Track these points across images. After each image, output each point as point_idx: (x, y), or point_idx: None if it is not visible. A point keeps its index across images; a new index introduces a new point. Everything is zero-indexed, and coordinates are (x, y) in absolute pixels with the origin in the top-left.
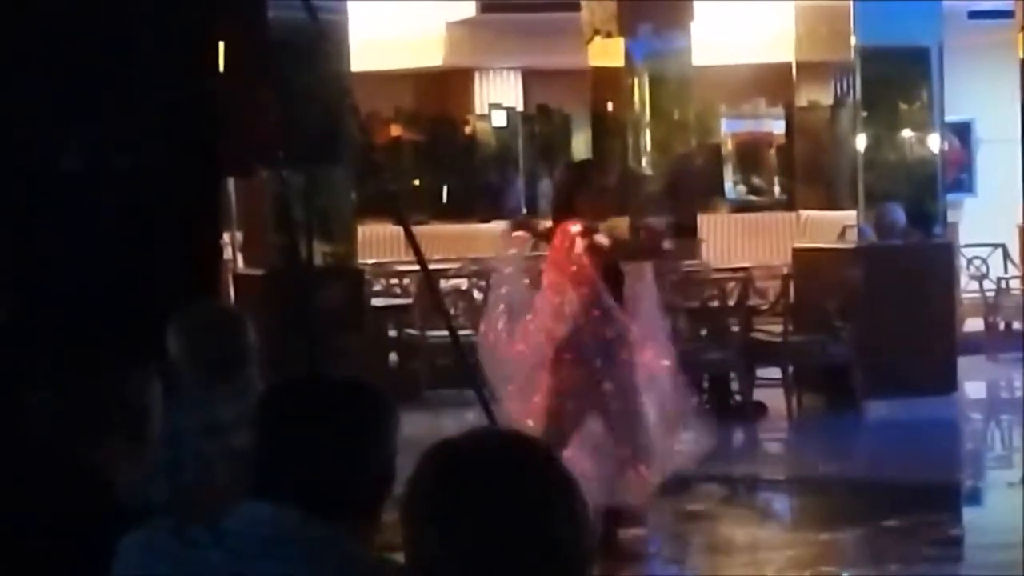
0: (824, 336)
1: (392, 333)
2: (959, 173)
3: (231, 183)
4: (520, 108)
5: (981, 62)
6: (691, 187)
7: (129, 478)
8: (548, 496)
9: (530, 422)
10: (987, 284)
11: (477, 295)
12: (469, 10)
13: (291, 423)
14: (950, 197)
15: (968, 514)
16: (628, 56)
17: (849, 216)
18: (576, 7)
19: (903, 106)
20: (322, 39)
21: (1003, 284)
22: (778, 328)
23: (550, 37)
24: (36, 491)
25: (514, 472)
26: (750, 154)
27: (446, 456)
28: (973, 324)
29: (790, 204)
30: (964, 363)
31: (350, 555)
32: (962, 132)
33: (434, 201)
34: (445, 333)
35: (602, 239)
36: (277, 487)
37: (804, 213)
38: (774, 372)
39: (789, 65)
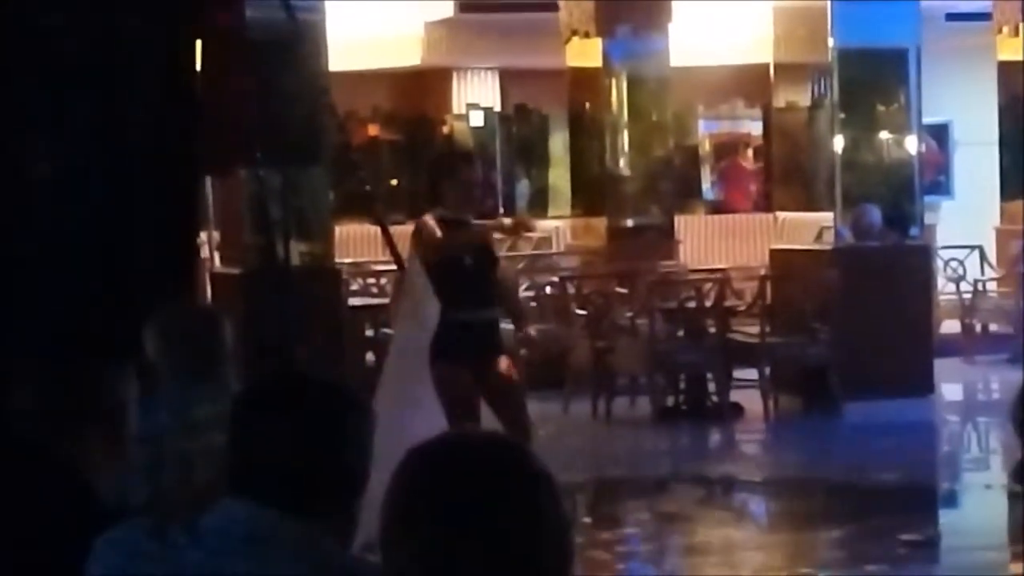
0: (801, 337)
1: (369, 333)
2: (936, 175)
3: (208, 182)
4: (498, 108)
5: (959, 64)
6: (668, 188)
7: (107, 476)
8: (525, 498)
9: None
10: (964, 286)
11: None
12: (447, 10)
13: (265, 422)
14: (927, 199)
15: (944, 516)
16: (606, 57)
17: (826, 217)
18: (554, 7)
19: (880, 108)
20: (300, 39)
21: (980, 286)
22: (755, 329)
23: (528, 37)
24: (14, 489)
25: (490, 474)
26: (727, 155)
27: (421, 459)
28: (950, 326)
29: (767, 205)
30: (941, 365)
31: (326, 553)
32: (940, 134)
33: (412, 201)
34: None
35: (432, 230)
36: (253, 486)
37: (781, 214)
38: (751, 373)
39: (767, 66)
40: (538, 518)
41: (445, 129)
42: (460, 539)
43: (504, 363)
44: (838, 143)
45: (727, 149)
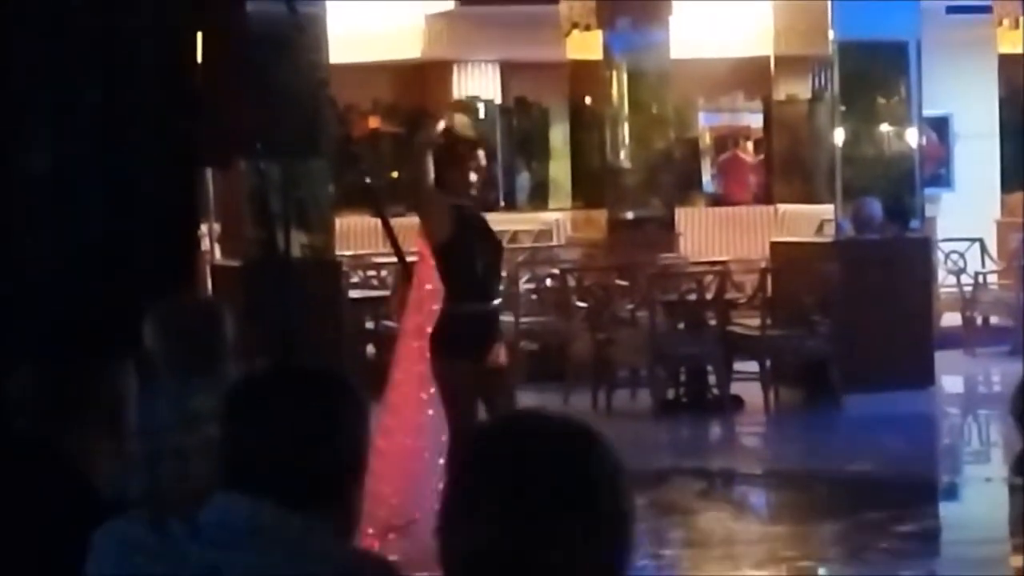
0: (801, 330)
1: (369, 325)
2: (937, 168)
3: (209, 175)
4: (498, 101)
5: (959, 57)
6: (669, 180)
7: (106, 471)
8: (593, 476)
9: None
10: (964, 279)
11: None
12: (447, 3)
13: (261, 414)
14: (928, 192)
15: (945, 508)
16: (606, 49)
17: (827, 210)
18: (554, 0)
19: (881, 101)
20: (300, 31)
21: (980, 279)
22: (756, 322)
23: (528, 30)
24: (13, 484)
25: (557, 455)
26: (728, 148)
27: (486, 438)
28: (950, 318)
29: (768, 198)
30: (941, 357)
31: (326, 546)
32: (940, 127)
33: (409, 192)
34: (396, 325)
35: (442, 218)
36: (251, 479)
37: (782, 207)
38: (751, 366)
39: (767, 59)
40: (602, 504)
41: (444, 122)
42: (521, 521)
43: (499, 352)
44: (838, 136)
45: (727, 142)
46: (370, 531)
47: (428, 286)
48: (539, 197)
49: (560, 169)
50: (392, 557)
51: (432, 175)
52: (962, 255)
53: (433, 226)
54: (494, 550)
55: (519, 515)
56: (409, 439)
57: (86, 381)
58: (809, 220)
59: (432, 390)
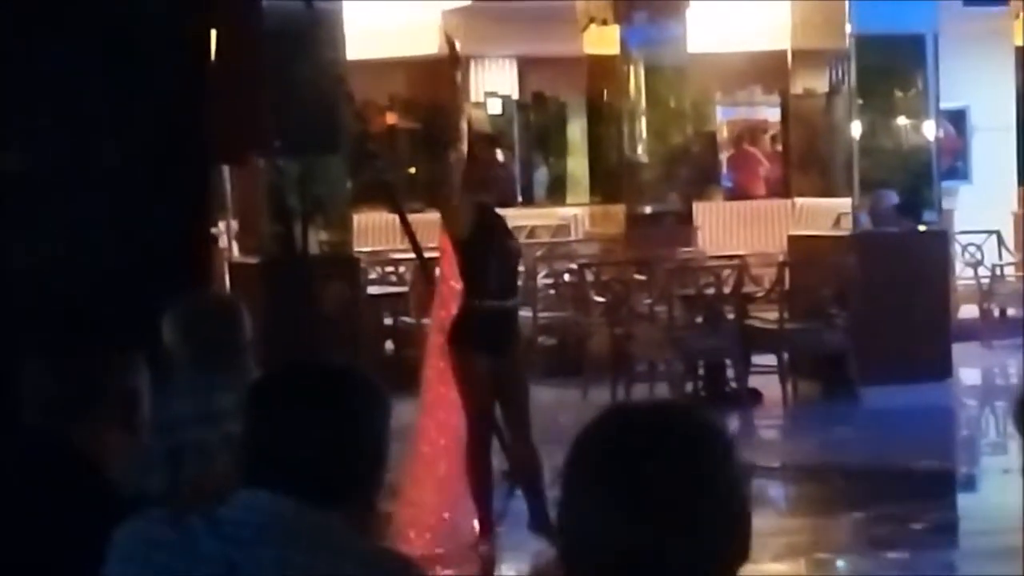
0: (819, 323)
1: (388, 321)
2: (954, 160)
3: (226, 171)
4: (515, 96)
5: (976, 49)
6: (686, 175)
7: (123, 463)
8: (722, 472)
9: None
10: (982, 271)
11: None
12: None
13: (283, 411)
14: (945, 184)
15: (963, 500)
16: (623, 44)
17: (844, 203)
18: None
19: (898, 93)
20: (317, 27)
21: (997, 271)
22: (773, 315)
23: (545, 25)
24: (30, 476)
25: (690, 442)
26: (745, 142)
27: (612, 424)
28: (968, 311)
29: (785, 192)
30: (959, 349)
31: (346, 543)
32: (957, 119)
33: (430, 189)
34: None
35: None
36: (271, 475)
37: (799, 200)
38: (769, 359)
39: (785, 53)
40: (728, 502)
41: (463, 117)
42: (639, 511)
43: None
44: (855, 129)
45: (744, 136)
46: (411, 533)
47: (452, 282)
48: (557, 192)
49: (578, 164)
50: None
51: (455, 172)
52: (979, 247)
53: (453, 222)
54: (612, 543)
55: (649, 510)
56: (443, 439)
57: (99, 375)
58: (826, 213)
59: None
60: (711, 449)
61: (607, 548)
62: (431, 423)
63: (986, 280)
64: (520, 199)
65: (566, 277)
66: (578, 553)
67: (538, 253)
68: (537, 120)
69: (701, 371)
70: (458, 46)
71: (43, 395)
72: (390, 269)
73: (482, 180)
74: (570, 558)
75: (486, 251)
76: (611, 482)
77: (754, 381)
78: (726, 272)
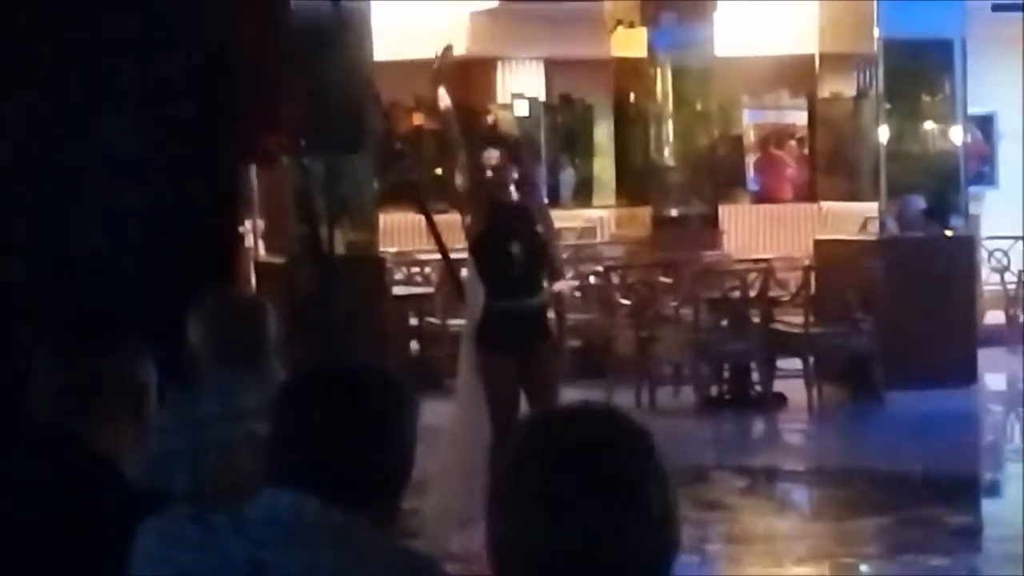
0: (845, 327)
1: (413, 321)
2: (981, 166)
3: (253, 171)
4: (543, 98)
5: (1004, 55)
6: (713, 178)
7: (132, 458)
8: (642, 474)
9: None
10: (1008, 276)
11: None
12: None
13: (311, 412)
14: (972, 189)
15: (987, 506)
16: (651, 46)
17: (871, 208)
18: None
19: (926, 98)
20: (344, 27)
21: None
22: (799, 319)
23: (573, 27)
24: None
25: (610, 447)
26: (772, 145)
27: (534, 429)
28: (994, 316)
29: (812, 195)
30: (984, 355)
31: (371, 543)
32: (984, 125)
33: (455, 190)
34: (466, 322)
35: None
36: (297, 475)
37: (826, 205)
38: (795, 363)
39: (812, 57)
40: (648, 500)
41: (490, 119)
42: (565, 513)
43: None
44: (883, 133)
45: (771, 139)
46: (442, 530)
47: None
48: (583, 194)
49: (604, 166)
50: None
51: (470, 170)
52: (1006, 253)
53: (466, 220)
54: (539, 546)
55: (564, 511)
56: (474, 437)
57: (107, 369)
58: (853, 218)
59: None
60: (633, 449)
61: (537, 554)
62: (463, 422)
63: (1012, 286)
64: (547, 200)
65: (592, 279)
66: (508, 559)
67: (564, 255)
68: (564, 122)
69: (726, 374)
70: (444, 104)
71: (53, 388)
72: (416, 270)
73: (500, 179)
74: (500, 564)
75: (503, 250)
76: (537, 487)
77: (779, 385)
78: (752, 276)
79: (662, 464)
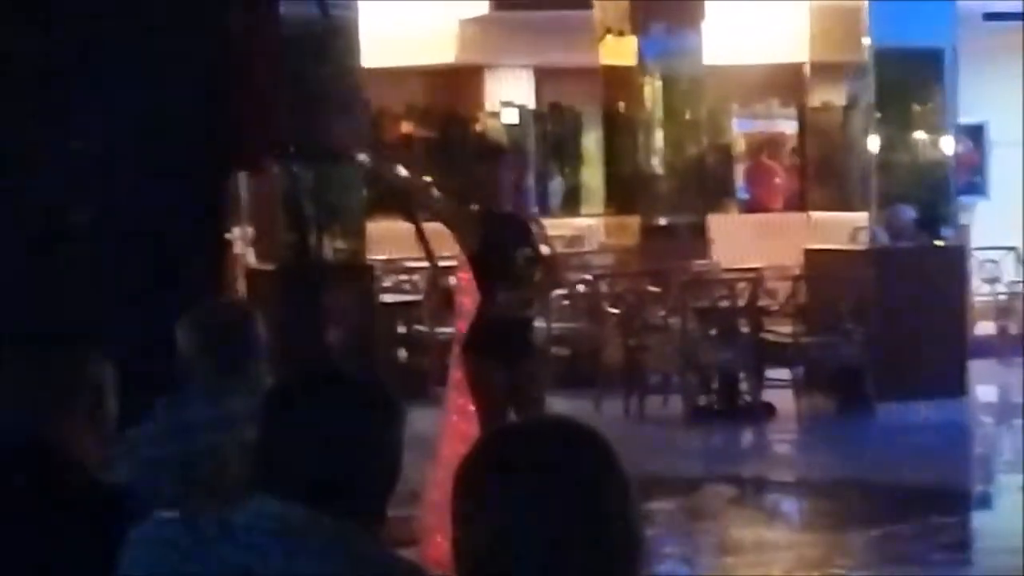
0: (834, 337)
1: (401, 329)
2: (972, 176)
3: (242, 178)
4: (532, 106)
5: (995, 64)
6: (702, 187)
7: (93, 460)
8: (606, 484)
9: None
10: (999, 287)
11: None
12: (482, 7)
13: (298, 419)
14: (963, 199)
15: (978, 518)
16: (640, 55)
17: (861, 218)
18: (588, 5)
19: (916, 108)
20: (333, 35)
21: (1015, 287)
22: (788, 329)
23: (562, 35)
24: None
25: (573, 458)
26: (761, 154)
27: (497, 442)
28: (984, 327)
29: (801, 205)
30: (975, 366)
31: (358, 550)
32: (975, 134)
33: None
34: (454, 330)
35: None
36: (285, 482)
37: (815, 214)
38: (784, 373)
39: (802, 65)
40: (605, 509)
41: (479, 127)
42: (526, 523)
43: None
44: (873, 143)
45: (761, 148)
46: (437, 538)
47: (470, 292)
48: (572, 203)
49: (593, 175)
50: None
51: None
52: (996, 264)
53: (462, 237)
54: (502, 557)
55: (526, 521)
56: (463, 446)
57: (65, 372)
58: (843, 227)
59: None
60: (591, 457)
61: (500, 564)
62: (453, 430)
63: (1003, 297)
64: (535, 209)
65: (580, 288)
66: (473, 570)
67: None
68: (553, 130)
69: (715, 384)
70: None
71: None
72: (404, 277)
73: (492, 189)
74: (457, 566)
75: (499, 258)
76: (498, 499)
77: (768, 395)
78: (741, 285)
79: (622, 471)
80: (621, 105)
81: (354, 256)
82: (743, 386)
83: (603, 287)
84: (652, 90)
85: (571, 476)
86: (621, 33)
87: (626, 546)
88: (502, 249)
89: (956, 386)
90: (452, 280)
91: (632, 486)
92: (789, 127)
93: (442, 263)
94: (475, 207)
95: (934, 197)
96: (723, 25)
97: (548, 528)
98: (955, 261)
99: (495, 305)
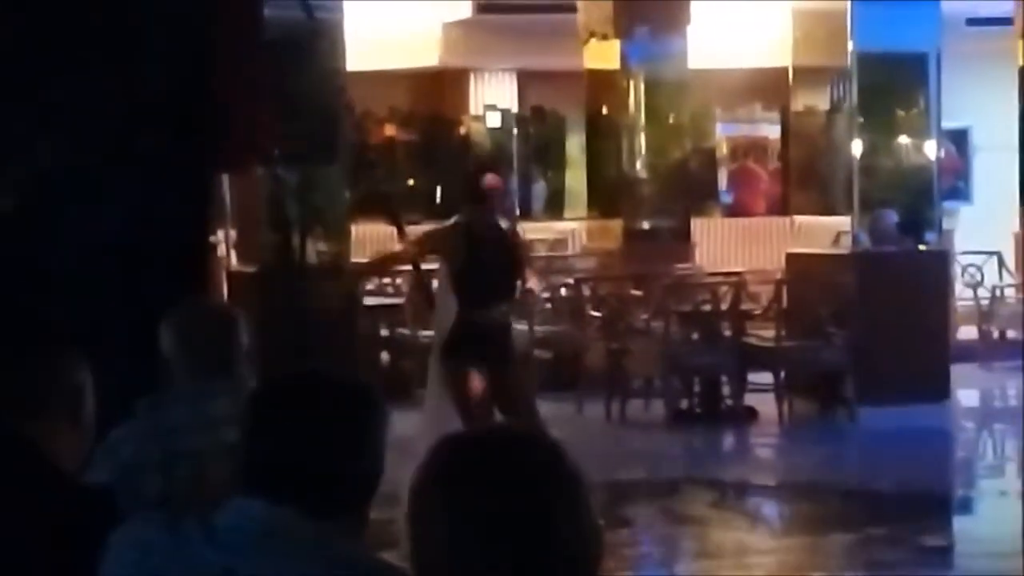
0: (817, 342)
1: (384, 332)
2: (955, 180)
3: (226, 180)
4: (515, 109)
5: (979, 69)
6: (685, 191)
7: (71, 461)
8: (554, 492)
9: None
10: (982, 292)
11: None
12: (465, 11)
13: (281, 420)
14: (946, 204)
15: (959, 522)
16: (624, 59)
17: (844, 222)
18: (572, 9)
19: (900, 112)
20: (318, 38)
21: (998, 292)
22: (770, 333)
23: (546, 39)
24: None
25: (521, 467)
26: (745, 158)
27: (452, 449)
28: (967, 332)
29: (784, 209)
30: (957, 371)
31: (340, 552)
32: (959, 139)
33: (427, 201)
34: (434, 334)
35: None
36: (268, 484)
37: (798, 218)
38: (766, 377)
39: (785, 69)
40: (563, 517)
41: (462, 130)
42: (474, 532)
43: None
44: (856, 147)
45: (744, 152)
46: None
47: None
48: (555, 206)
49: (576, 178)
50: None
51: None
52: (979, 268)
53: (448, 260)
54: (458, 564)
55: (471, 530)
56: None
57: (42, 374)
58: (825, 232)
59: None
60: (543, 464)
61: (456, 571)
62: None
63: (986, 301)
64: (518, 212)
65: (563, 291)
66: (417, 568)
67: (534, 265)
68: (536, 134)
69: (697, 388)
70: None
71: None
72: (387, 281)
73: (477, 195)
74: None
75: (480, 267)
76: (451, 505)
77: (750, 399)
78: (723, 289)
79: (572, 476)
80: (604, 109)
81: (337, 259)
82: (725, 390)
83: (586, 290)
84: (635, 94)
85: (517, 483)
86: (605, 37)
87: (579, 551)
88: (484, 256)
89: (938, 390)
90: (435, 283)
91: (585, 491)
92: (772, 131)
93: (425, 266)
94: (459, 221)
95: (917, 202)
96: (707, 29)
97: (496, 537)
98: (938, 266)
99: (473, 308)
